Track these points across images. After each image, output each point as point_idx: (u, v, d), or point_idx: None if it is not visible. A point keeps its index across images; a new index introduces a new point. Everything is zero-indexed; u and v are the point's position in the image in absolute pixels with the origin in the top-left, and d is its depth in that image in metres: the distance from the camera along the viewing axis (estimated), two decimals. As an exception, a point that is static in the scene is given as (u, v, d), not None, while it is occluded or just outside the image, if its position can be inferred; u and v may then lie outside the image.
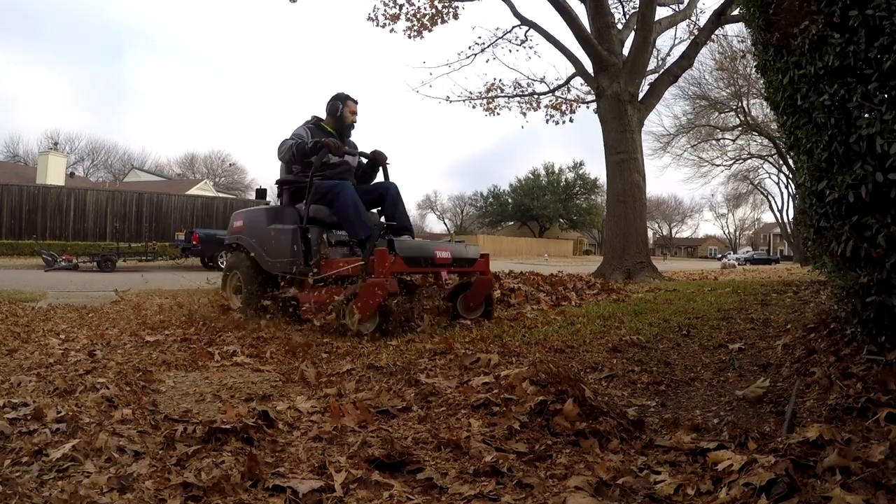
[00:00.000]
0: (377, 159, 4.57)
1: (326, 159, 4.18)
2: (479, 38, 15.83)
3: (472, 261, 4.19)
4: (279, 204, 4.58)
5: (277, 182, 4.51)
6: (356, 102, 4.54)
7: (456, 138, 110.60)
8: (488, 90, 12.43)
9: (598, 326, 3.69)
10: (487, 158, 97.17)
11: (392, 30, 11.72)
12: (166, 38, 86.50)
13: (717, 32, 11.66)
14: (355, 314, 3.45)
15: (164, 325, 4.08)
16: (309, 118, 4.53)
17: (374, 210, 4.48)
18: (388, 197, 4.31)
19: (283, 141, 4.29)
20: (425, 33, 11.67)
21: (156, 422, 1.96)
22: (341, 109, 4.44)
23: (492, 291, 4.29)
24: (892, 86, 1.86)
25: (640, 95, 9.77)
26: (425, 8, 11.42)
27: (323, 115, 4.55)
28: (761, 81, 2.71)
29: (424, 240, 4.53)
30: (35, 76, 70.97)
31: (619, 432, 1.83)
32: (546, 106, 12.59)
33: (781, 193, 38.84)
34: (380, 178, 4.69)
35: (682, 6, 11.29)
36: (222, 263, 14.97)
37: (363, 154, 4.59)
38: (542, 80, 12.34)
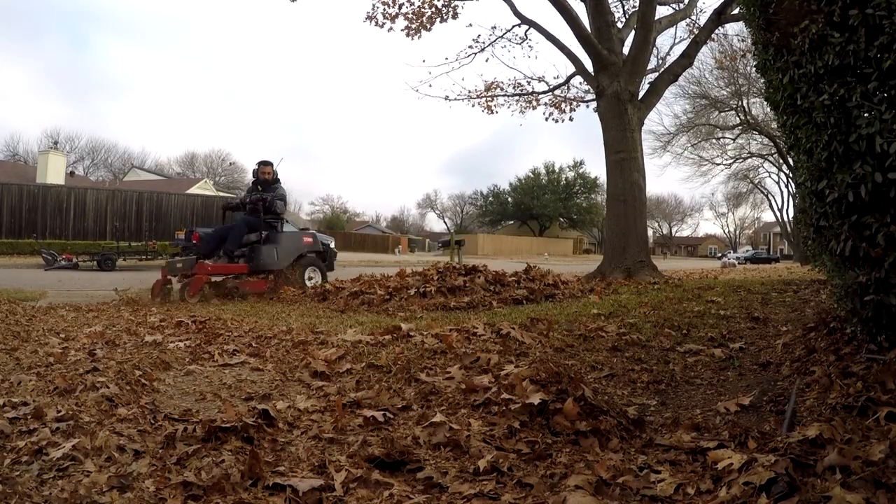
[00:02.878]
0: (254, 202, 6.95)
1: (252, 205, 6.99)
2: (479, 36, 15.81)
3: (190, 268, 6.51)
4: None
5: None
6: (269, 164, 7.21)
7: (452, 134, 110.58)
8: (487, 89, 12.42)
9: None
10: (485, 154, 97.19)
11: (390, 29, 11.71)
12: (166, 38, 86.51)
13: (717, 31, 11.65)
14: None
15: (164, 325, 4.08)
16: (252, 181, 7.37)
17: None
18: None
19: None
20: (424, 32, 11.66)
21: (156, 421, 1.96)
22: (256, 173, 7.24)
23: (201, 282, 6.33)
24: (892, 85, 1.86)
25: (641, 94, 9.75)
26: (425, 7, 11.40)
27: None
28: (761, 80, 2.71)
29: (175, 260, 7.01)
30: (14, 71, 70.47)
31: (619, 431, 1.83)
32: (546, 104, 12.60)
33: (781, 192, 38.80)
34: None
35: (682, 5, 11.27)
36: (222, 262, 14.96)
37: (247, 199, 7.08)
38: (541, 79, 12.33)
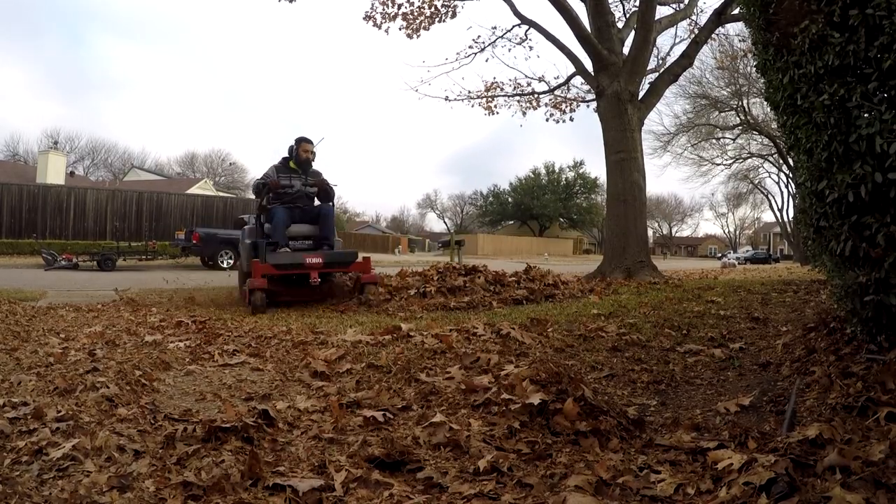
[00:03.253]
0: (317, 185, 6.06)
1: (288, 189, 5.89)
2: (479, 37, 15.84)
3: (347, 263, 5.70)
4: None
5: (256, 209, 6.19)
6: (310, 142, 6.09)
7: (452, 133, 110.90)
8: (488, 89, 12.41)
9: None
10: (485, 153, 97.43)
11: (388, 29, 11.69)
12: (166, 37, 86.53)
13: (717, 31, 11.64)
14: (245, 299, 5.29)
15: (164, 325, 4.08)
16: (280, 159, 6.11)
17: None
18: (321, 216, 6.00)
19: (254, 181, 6.05)
20: (423, 32, 11.65)
21: (156, 421, 1.96)
22: (296, 150, 6.03)
23: (365, 285, 5.62)
24: (892, 85, 1.86)
25: (641, 94, 9.74)
26: (424, 7, 11.39)
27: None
28: (761, 81, 2.70)
29: (299, 251, 5.69)
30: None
31: (619, 431, 1.83)
32: (546, 105, 12.60)
33: (781, 193, 38.85)
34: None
35: (682, 5, 11.26)
36: (222, 263, 14.98)
37: (310, 182, 6.03)
38: (541, 79, 12.34)
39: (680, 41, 18.30)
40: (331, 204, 6.14)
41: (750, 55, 12.82)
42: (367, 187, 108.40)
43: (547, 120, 12.74)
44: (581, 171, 51.09)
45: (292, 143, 6.06)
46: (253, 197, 6.64)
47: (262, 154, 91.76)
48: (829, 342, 2.55)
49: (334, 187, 6.23)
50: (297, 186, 5.91)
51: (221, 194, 32.26)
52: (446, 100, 12.29)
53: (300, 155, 6.00)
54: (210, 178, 45.49)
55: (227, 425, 1.80)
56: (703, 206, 68.73)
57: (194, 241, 15.05)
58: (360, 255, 5.91)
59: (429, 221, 74.68)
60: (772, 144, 24.13)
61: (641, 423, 1.94)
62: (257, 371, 2.81)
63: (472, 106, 12.61)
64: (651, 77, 10.66)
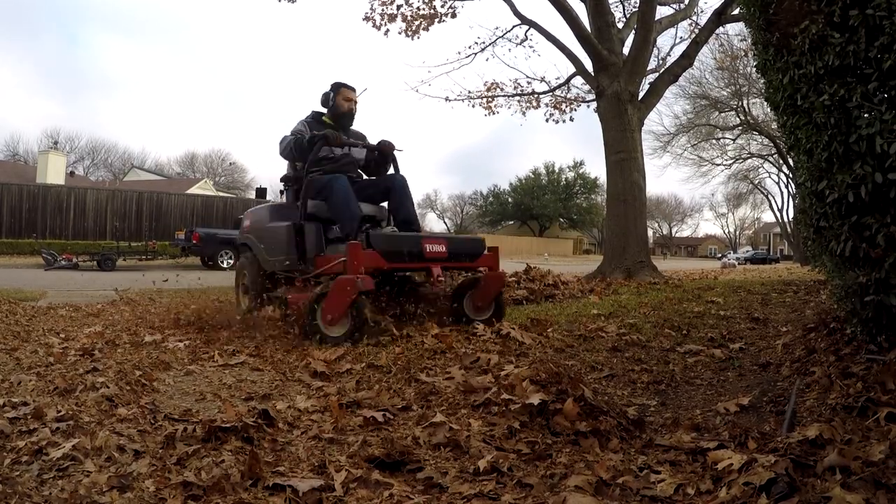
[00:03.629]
0: (384, 150, 4.26)
1: (328, 153, 4.07)
2: (479, 37, 15.85)
3: (475, 255, 3.79)
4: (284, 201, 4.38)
5: (282, 179, 4.31)
6: (352, 89, 4.27)
7: (452, 133, 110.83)
8: (488, 89, 12.42)
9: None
10: (484, 153, 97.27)
11: (387, 31, 11.68)
12: (166, 37, 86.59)
13: (717, 31, 11.65)
14: (326, 315, 3.20)
15: (164, 325, 4.08)
16: (309, 113, 4.34)
17: (384, 204, 4.25)
18: (394, 190, 4.08)
19: (283, 137, 4.12)
20: (423, 33, 11.65)
21: (156, 421, 1.96)
22: (333, 98, 4.22)
23: (502, 289, 3.91)
24: (892, 85, 1.86)
25: (641, 95, 9.74)
26: (424, 8, 11.39)
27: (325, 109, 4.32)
28: (761, 81, 2.71)
29: (413, 233, 3.88)
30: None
31: (619, 432, 1.83)
32: (546, 105, 12.61)
33: (781, 193, 38.94)
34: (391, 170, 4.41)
35: (682, 5, 11.27)
36: (222, 263, 14.99)
37: (370, 146, 4.29)
38: (542, 80, 12.35)
39: (680, 41, 18.25)
40: (403, 175, 4.22)
41: (750, 55, 12.83)
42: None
43: (547, 120, 12.75)
44: (581, 171, 51.20)
45: (327, 89, 4.25)
46: (254, 195, 4.55)
47: (263, 154, 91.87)
48: (829, 342, 2.55)
49: (399, 153, 4.32)
50: (344, 148, 4.13)
51: (221, 194, 32.29)
52: (447, 100, 12.30)
53: (340, 105, 4.20)
54: (210, 178, 45.51)
55: (227, 425, 1.80)
56: (703, 207, 68.91)
57: (194, 241, 15.06)
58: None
59: (429, 221, 74.66)
60: (772, 144, 24.16)
61: (641, 424, 1.94)
62: (257, 371, 2.81)
63: (473, 106, 12.62)
64: (651, 77, 10.66)
